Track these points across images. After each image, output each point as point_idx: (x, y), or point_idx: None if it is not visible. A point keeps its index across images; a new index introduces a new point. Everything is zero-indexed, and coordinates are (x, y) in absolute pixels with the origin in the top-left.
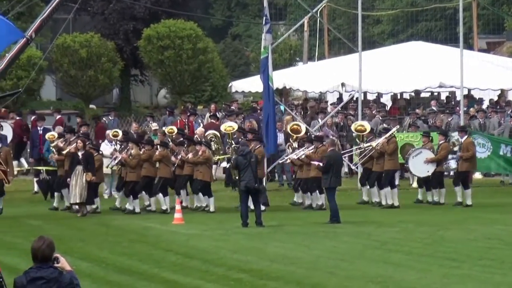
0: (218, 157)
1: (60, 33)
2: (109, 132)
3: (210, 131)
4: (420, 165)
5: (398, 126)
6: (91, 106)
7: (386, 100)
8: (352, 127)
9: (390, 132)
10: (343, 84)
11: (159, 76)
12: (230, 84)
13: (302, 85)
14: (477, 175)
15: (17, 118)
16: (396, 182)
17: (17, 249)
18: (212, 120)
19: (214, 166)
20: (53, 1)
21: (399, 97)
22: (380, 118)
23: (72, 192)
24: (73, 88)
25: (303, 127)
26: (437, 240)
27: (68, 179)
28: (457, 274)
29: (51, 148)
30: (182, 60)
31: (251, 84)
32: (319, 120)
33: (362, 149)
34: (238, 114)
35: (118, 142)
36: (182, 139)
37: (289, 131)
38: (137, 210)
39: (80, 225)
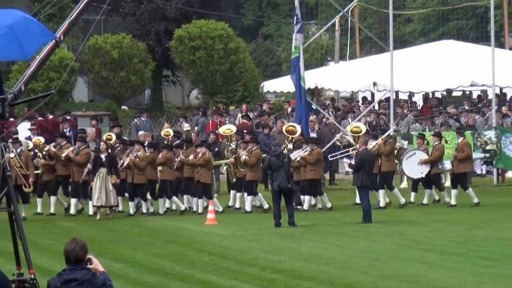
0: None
1: (92, 34)
2: (141, 134)
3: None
4: (414, 166)
5: (395, 127)
6: (123, 107)
7: (418, 99)
8: (348, 128)
9: (386, 134)
10: (374, 84)
11: (191, 76)
12: (261, 84)
13: (333, 84)
14: (510, 174)
15: (39, 118)
16: None
17: (50, 251)
18: (244, 120)
19: None
20: (81, 3)
21: (430, 96)
22: (412, 117)
23: (95, 195)
24: (105, 89)
25: (298, 128)
26: (469, 239)
27: (92, 182)
28: (490, 273)
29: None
30: (214, 60)
31: (283, 84)
32: (349, 119)
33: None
34: (270, 114)
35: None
36: (179, 141)
37: (284, 132)
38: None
39: (113, 226)
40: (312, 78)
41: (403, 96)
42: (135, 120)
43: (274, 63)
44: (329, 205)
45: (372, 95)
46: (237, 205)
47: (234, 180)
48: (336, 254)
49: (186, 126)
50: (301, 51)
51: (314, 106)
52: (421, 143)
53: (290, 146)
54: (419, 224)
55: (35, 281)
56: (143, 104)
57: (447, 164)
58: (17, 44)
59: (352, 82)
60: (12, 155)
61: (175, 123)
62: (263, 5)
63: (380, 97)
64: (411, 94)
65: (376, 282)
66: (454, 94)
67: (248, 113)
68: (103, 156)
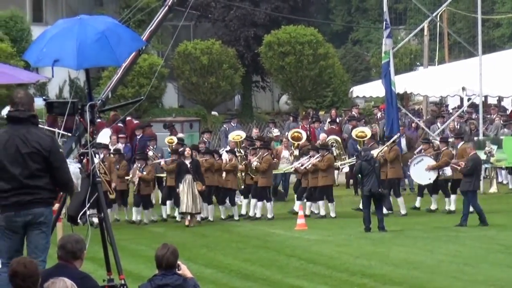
0: (340, 162)
1: (181, 40)
2: (231, 137)
3: (331, 137)
4: (421, 172)
5: (399, 134)
6: (213, 113)
7: (507, 104)
8: (353, 133)
9: (391, 140)
10: (463, 88)
11: (280, 82)
12: (351, 89)
13: (422, 89)
14: None
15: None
16: None
17: (140, 257)
18: (333, 126)
19: (336, 172)
20: (160, 12)
21: None
22: (502, 122)
23: (183, 202)
24: (194, 95)
25: (304, 134)
26: None
27: (178, 189)
28: None
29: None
30: (303, 66)
31: (372, 89)
32: (439, 124)
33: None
34: (360, 119)
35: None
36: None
37: (290, 139)
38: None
39: (203, 231)
40: (401, 83)
41: (492, 101)
42: (225, 125)
43: (363, 68)
44: (333, 214)
45: (461, 100)
46: (252, 212)
47: (242, 187)
48: (425, 258)
49: (275, 132)
50: (391, 56)
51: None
52: (427, 148)
53: (296, 152)
54: (510, 229)
55: (125, 287)
56: (233, 110)
57: (448, 170)
58: (109, 49)
59: (441, 87)
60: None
61: (264, 128)
62: (352, 10)
63: (469, 102)
64: (500, 99)
65: (466, 286)
66: None
67: (337, 119)
68: (187, 162)
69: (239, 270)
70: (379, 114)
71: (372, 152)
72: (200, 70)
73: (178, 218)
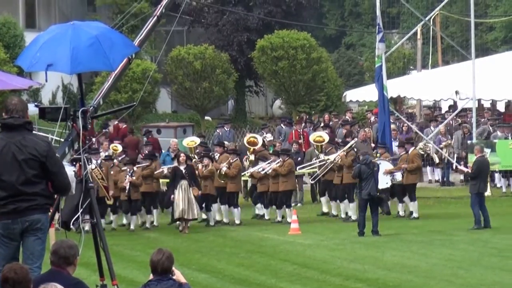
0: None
1: (174, 45)
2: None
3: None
4: (379, 176)
5: (356, 139)
6: (206, 117)
7: (501, 107)
8: (311, 138)
9: (348, 145)
10: (457, 92)
11: (274, 86)
12: (344, 94)
13: (416, 93)
14: None
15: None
16: None
17: (135, 262)
18: (326, 130)
19: None
20: (148, 24)
21: None
22: (490, 126)
23: (178, 207)
24: (188, 100)
25: (260, 139)
26: None
27: (172, 195)
28: None
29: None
30: (296, 70)
31: (366, 93)
32: (432, 128)
33: (322, 161)
34: (353, 123)
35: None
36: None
37: (246, 144)
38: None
39: (197, 236)
40: (395, 87)
41: (486, 104)
42: (218, 130)
43: (356, 72)
44: (289, 219)
45: (455, 103)
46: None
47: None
48: (419, 262)
49: (268, 137)
50: (383, 60)
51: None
52: (383, 152)
53: (252, 157)
54: (503, 232)
55: None
56: (226, 115)
57: (398, 175)
58: (102, 54)
59: (434, 91)
60: (93, 166)
61: (258, 133)
62: (345, 14)
63: (463, 105)
64: (493, 102)
65: None
66: None
67: (330, 123)
68: (182, 168)
69: (232, 275)
70: (372, 118)
71: (328, 157)
72: (193, 75)
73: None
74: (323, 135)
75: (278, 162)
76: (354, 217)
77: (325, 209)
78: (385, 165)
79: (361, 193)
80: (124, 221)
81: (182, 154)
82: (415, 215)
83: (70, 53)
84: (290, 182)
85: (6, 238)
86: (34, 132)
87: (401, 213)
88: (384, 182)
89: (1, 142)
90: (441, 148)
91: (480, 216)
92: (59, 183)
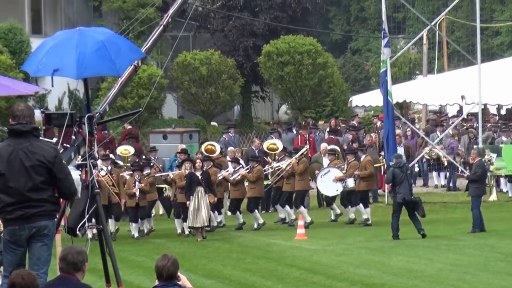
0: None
1: (180, 50)
2: (230, 149)
3: (331, 146)
4: (329, 184)
5: (307, 147)
6: (212, 123)
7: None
8: (264, 146)
9: (300, 152)
10: (463, 97)
11: (280, 92)
12: (350, 99)
13: (422, 98)
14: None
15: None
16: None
17: (141, 268)
18: (331, 136)
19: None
20: (154, 33)
21: None
22: (492, 131)
23: (192, 215)
24: (194, 105)
25: (218, 147)
26: None
27: (188, 202)
28: None
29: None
30: (302, 75)
31: (372, 98)
32: (438, 133)
33: (273, 168)
34: (359, 128)
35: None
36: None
37: (204, 151)
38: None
39: (203, 242)
40: (400, 92)
41: (492, 109)
42: (224, 136)
43: (362, 77)
44: (260, 221)
45: (461, 108)
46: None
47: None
48: (425, 267)
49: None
50: (388, 65)
51: (403, 120)
52: (333, 159)
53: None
54: (509, 237)
55: None
56: (232, 120)
57: (350, 182)
58: (109, 59)
59: (440, 96)
60: (103, 173)
61: (265, 138)
62: (351, 19)
63: (468, 110)
64: (499, 107)
65: None
66: None
67: (337, 128)
68: (198, 174)
69: (239, 281)
70: (378, 123)
71: (280, 164)
72: (199, 81)
73: (186, 232)
74: (277, 143)
75: (247, 169)
76: (308, 220)
77: (281, 215)
78: (334, 173)
79: (396, 197)
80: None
81: (198, 160)
82: (368, 221)
83: (76, 58)
84: (258, 189)
85: (13, 244)
86: (41, 138)
87: (352, 216)
88: (334, 189)
89: (9, 148)
90: (457, 154)
91: (482, 219)
92: (66, 189)
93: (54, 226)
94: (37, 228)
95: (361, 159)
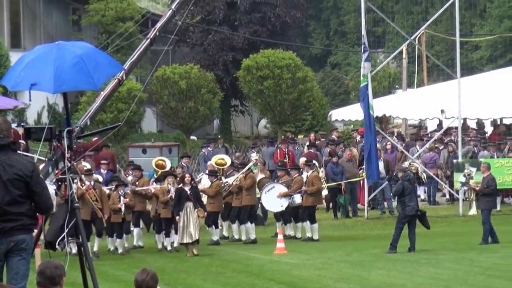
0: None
1: (159, 64)
2: (210, 163)
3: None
4: (273, 199)
5: (254, 161)
6: (192, 137)
7: (488, 127)
8: (212, 161)
9: (247, 167)
10: (442, 111)
11: (259, 106)
12: (330, 113)
13: (401, 112)
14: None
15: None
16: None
17: (120, 282)
18: (311, 150)
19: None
20: (140, 46)
21: (499, 122)
22: (473, 145)
23: (182, 231)
24: (173, 119)
25: (168, 162)
26: None
27: (177, 217)
28: None
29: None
30: (282, 89)
31: (351, 112)
32: (418, 147)
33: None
34: (339, 142)
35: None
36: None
37: (154, 167)
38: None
39: (182, 256)
40: (380, 106)
41: (471, 123)
42: (203, 150)
43: (342, 91)
44: (215, 238)
45: (440, 122)
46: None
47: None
48: (405, 281)
49: (253, 156)
50: (369, 79)
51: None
52: (283, 175)
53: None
54: (489, 251)
55: None
56: (212, 134)
57: (297, 198)
58: (86, 74)
59: (420, 110)
60: (84, 187)
61: (244, 152)
62: (330, 34)
63: (448, 124)
64: (479, 121)
65: None
66: None
67: (316, 142)
68: (187, 189)
69: None
70: (358, 138)
71: (227, 180)
72: (179, 95)
73: (169, 247)
74: (225, 158)
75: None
76: (253, 237)
77: (225, 233)
78: (279, 188)
79: (406, 209)
80: (110, 245)
81: (187, 175)
82: (315, 237)
83: (54, 72)
84: (217, 204)
85: None
86: (18, 152)
87: (291, 233)
88: (279, 205)
89: None
90: (439, 168)
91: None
92: (43, 203)
93: (32, 240)
94: (14, 242)
95: (308, 174)
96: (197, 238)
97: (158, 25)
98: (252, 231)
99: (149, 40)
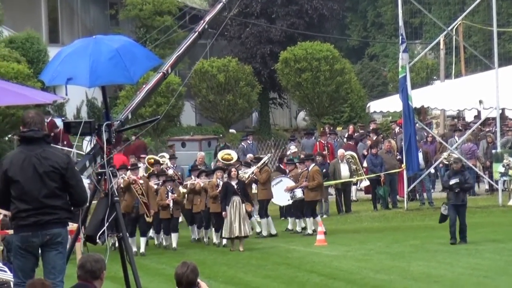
0: (356, 177)
1: (198, 58)
2: (249, 156)
3: (348, 152)
4: (281, 193)
5: (270, 155)
6: (231, 130)
7: None
8: (219, 156)
9: (262, 162)
10: (481, 102)
11: (297, 98)
12: (368, 105)
13: (439, 103)
14: None
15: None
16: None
17: (161, 275)
18: (349, 142)
19: (353, 187)
20: (188, 39)
21: None
22: (510, 134)
23: (228, 225)
24: (212, 113)
25: (234, 154)
26: None
27: (224, 213)
28: None
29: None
30: (320, 82)
31: (389, 104)
32: (456, 138)
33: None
34: (378, 134)
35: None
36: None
37: (147, 164)
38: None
39: (222, 249)
40: (418, 97)
41: (510, 114)
42: (242, 143)
43: (380, 83)
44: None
45: (479, 113)
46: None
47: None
48: (445, 272)
49: (292, 148)
50: (407, 70)
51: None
52: (292, 169)
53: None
54: None
55: None
56: (250, 127)
57: (298, 192)
58: (123, 67)
59: (458, 101)
60: (132, 178)
61: (283, 145)
62: (368, 25)
63: (486, 115)
64: None
65: None
66: None
67: (354, 134)
68: (234, 183)
69: (259, 287)
70: (397, 129)
71: (242, 173)
72: (217, 88)
73: (216, 241)
74: (232, 153)
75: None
76: (267, 233)
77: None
78: (287, 182)
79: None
80: (156, 241)
81: (233, 169)
82: (313, 233)
83: (90, 67)
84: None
85: (24, 250)
86: (52, 145)
87: (298, 229)
88: (286, 199)
89: (21, 155)
90: (477, 159)
91: None
92: (78, 196)
93: (67, 234)
94: (50, 236)
95: (309, 168)
96: (246, 233)
97: (207, 18)
98: (272, 225)
99: (197, 33)
